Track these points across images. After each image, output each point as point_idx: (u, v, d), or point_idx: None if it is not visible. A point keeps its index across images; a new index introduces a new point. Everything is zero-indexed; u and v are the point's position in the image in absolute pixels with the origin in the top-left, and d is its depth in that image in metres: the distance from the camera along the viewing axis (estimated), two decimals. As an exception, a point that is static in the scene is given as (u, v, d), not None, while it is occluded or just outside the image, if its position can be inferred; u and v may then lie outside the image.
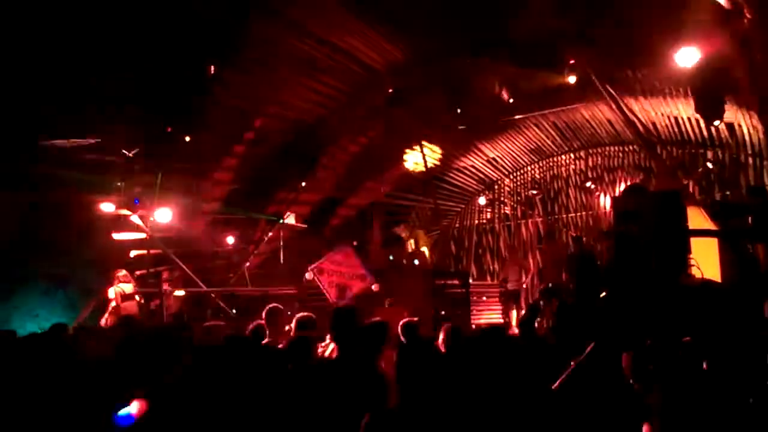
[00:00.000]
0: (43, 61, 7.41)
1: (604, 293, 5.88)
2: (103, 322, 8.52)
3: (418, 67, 10.01)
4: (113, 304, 8.62)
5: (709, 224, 7.58)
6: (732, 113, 9.09)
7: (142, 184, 9.19)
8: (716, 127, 10.10)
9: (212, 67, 8.46)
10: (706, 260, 6.71)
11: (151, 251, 9.64)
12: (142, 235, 9.15)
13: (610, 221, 11.97)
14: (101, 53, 7.67)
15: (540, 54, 9.29)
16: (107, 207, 8.79)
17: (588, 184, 13.03)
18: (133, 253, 9.64)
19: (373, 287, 9.00)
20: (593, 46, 8.91)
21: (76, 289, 9.88)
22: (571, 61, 9.48)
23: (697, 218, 7.31)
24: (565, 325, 3.65)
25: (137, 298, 8.97)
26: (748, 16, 5.56)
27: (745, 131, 9.89)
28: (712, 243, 7.38)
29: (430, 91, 10.60)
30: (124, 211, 8.83)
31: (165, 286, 10.26)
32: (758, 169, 10.27)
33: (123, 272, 8.99)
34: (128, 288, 8.94)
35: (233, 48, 8.36)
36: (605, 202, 12.84)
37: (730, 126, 10.03)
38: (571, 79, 9.71)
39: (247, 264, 11.34)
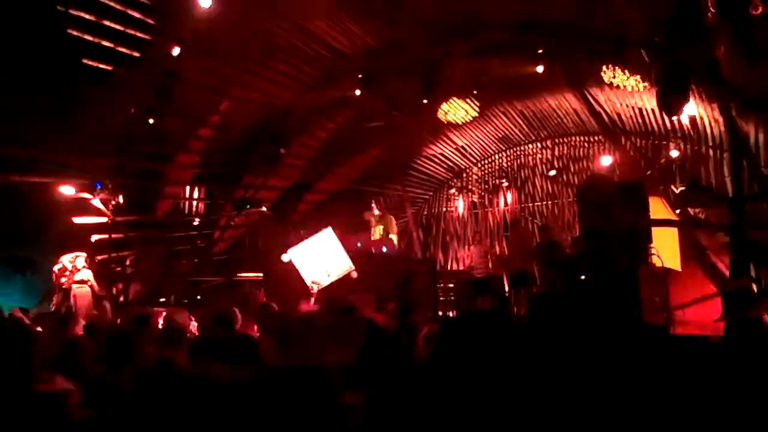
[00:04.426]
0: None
1: (582, 277, 5.98)
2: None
3: (388, 52, 9.96)
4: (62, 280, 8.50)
5: (670, 214, 7.77)
6: (694, 106, 9.29)
7: (104, 166, 8.97)
8: (679, 120, 10.31)
9: (177, 48, 8.24)
10: (666, 249, 6.89)
11: (113, 236, 9.43)
12: (104, 219, 8.93)
13: (574, 210, 12.20)
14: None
15: (509, 42, 9.32)
16: (67, 190, 8.55)
17: (551, 172, 13.21)
18: (94, 238, 9.42)
19: (352, 274, 8.95)
20: (561, 35, 8.98)
21: (35, 274, 9.64)
22: (539, 51, 9.54)
23: (658, 208, 7.48)
24: (538, 312, 3.67)
25: (93, 284, 8.81)
26: (712, 9, 5.67)
27: (707, 124, 10.12)
28: (673, 232, 7.58)
29: (401, 77, 10.56)
30: (85, 195, 8.59)
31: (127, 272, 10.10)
32: (718, 161, 10.53)
33: (82, 255, 8.82)
34: (84, 275, 8.77)
35: (198, 29, 8.16)
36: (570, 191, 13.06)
37: (692, 118, 10.25)
38: (539, 69, 9.78)
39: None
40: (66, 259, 8.75)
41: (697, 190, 7.49)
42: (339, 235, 9.08)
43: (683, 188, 8.72)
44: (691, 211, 7.23)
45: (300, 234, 9.23)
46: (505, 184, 14.04)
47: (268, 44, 9.14)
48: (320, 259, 8.74)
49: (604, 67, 9.53)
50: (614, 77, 9.71)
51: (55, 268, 8.73)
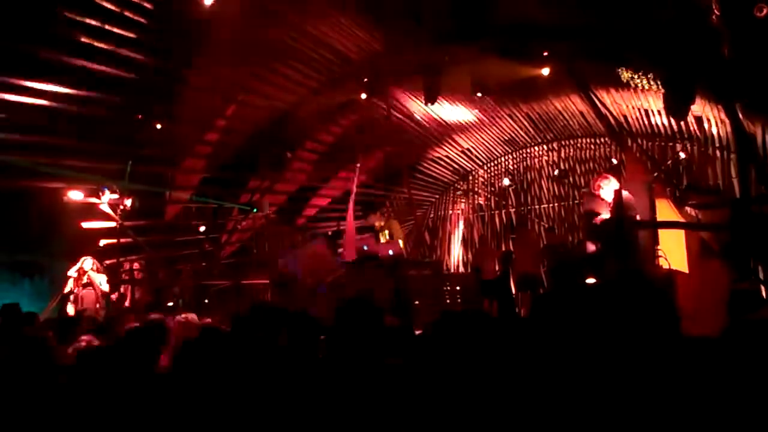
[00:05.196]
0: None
1: (592, 280, 5.96)
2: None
3: (393, 55, 9.98)
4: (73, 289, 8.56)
5: (677, 216, 7.73)
6: (700, 107, 9.26)
7: (111, 171, 9.03)
8: (685, 121, 10.28)
9: (182, 52, 8.30)
10: (673, 251, 6.86)
11: (121, 240, 9.48)
12: (112, 224, 8.99)
13: (581, 213, 12.15)
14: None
15: (514, 45, 9.32)
16: (75, 195, 8.61)
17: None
18: (102, 242, 9.48)
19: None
20: (567, 38, 8.96)
21: (43, 279, 9.70)
22: (545, 53, 9.53)
23: (665, 210, 7.45)
24: (543, 314, 3.64)
25: (98, 286, 8.86)
26: (717, 12, 5.67)
27: (713, 125, 10.08)
28: (680, 234, 7.54)
29: (406, 80, 10.60)
30: (93, 200, 8.65)
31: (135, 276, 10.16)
32: (725, 162, 10.49)
33: (89, 259, 8.89)
34: (91, 278, 8.84)
35: (204, 33, 8.22)
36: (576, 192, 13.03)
37: (698, 120, 10.22)
38: (545, 71, 9.77)
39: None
40: (73, 269, 8.87)
41: (697, 191, 7.45)
42: (346, 239, 9.21)
43: (682, 189, 8.71)
44: (691, 212, 7.20)
45: (302, 239, 9.40)
46: (512, 186, 14.01)
47: (275, 49, 9.18)
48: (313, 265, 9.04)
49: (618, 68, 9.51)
50: (630, 77, 9.69)
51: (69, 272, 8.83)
